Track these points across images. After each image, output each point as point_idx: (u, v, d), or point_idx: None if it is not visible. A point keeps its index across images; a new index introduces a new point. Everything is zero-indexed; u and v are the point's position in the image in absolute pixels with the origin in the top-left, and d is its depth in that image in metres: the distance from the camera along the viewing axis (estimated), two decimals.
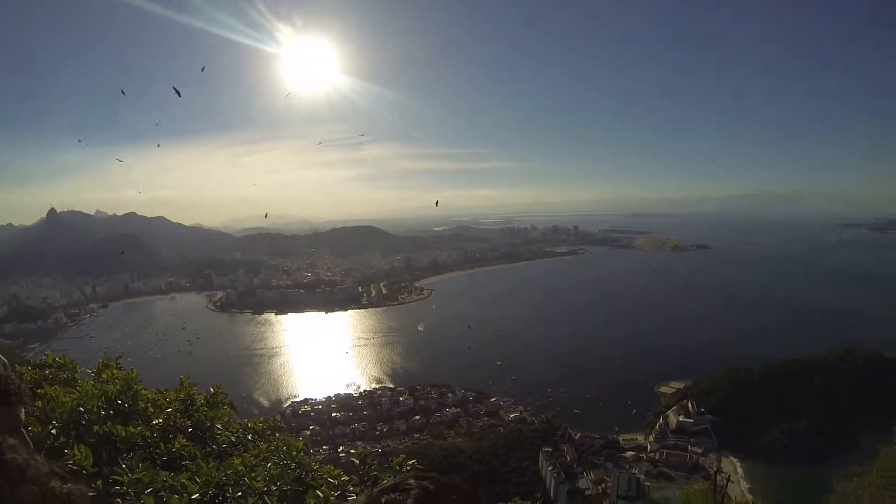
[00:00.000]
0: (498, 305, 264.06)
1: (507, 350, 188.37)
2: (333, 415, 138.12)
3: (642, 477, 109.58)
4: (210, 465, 5.17)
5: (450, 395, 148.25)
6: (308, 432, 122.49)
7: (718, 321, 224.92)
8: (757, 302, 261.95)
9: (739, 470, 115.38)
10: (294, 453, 6.24)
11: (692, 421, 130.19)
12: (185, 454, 5.96)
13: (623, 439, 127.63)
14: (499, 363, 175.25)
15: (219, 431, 7.07)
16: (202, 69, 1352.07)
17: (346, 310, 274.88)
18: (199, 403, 7.20)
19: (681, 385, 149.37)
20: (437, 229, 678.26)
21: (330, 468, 6.54)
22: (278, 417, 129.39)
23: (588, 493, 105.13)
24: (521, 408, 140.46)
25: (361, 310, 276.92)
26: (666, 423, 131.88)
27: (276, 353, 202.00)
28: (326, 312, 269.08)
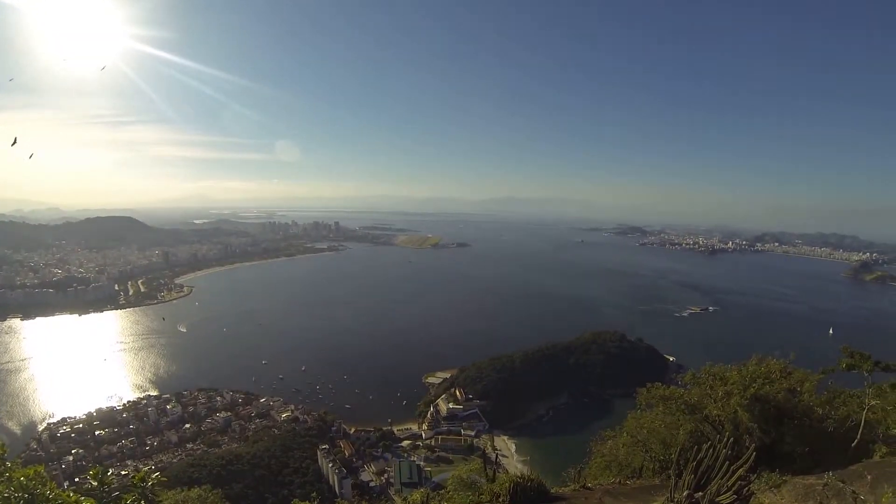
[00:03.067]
0: (261, 302, 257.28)
1: (274, 348, 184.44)
2: (97, 433, 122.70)
3: (422, 463, 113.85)
4: None
5: (218, 398, 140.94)
6: (70, 457, 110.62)
7: (478, 313, 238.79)
8: (513, 294, 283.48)
9: (512, 446, 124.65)
10: (25, 482, 5.91)
11: (461, 407, 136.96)
12: None
13: (398, 429, 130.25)
14: (264, 362, 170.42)
15: None
16: None
17: (101, 311, 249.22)
18: None
19: (447, 374, 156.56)
20: (197, 222, 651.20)
21: (67, 494, 6.19)
22: (33, 444, 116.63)
23: (372, 484, 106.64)
24: (293, 406, 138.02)
25: (119, 310, 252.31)
26: (437, 411, 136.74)
27: (22, 366, 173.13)
28: (80, 315, 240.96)
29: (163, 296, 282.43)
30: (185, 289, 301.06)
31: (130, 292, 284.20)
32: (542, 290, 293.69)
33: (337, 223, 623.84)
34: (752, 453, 9.42)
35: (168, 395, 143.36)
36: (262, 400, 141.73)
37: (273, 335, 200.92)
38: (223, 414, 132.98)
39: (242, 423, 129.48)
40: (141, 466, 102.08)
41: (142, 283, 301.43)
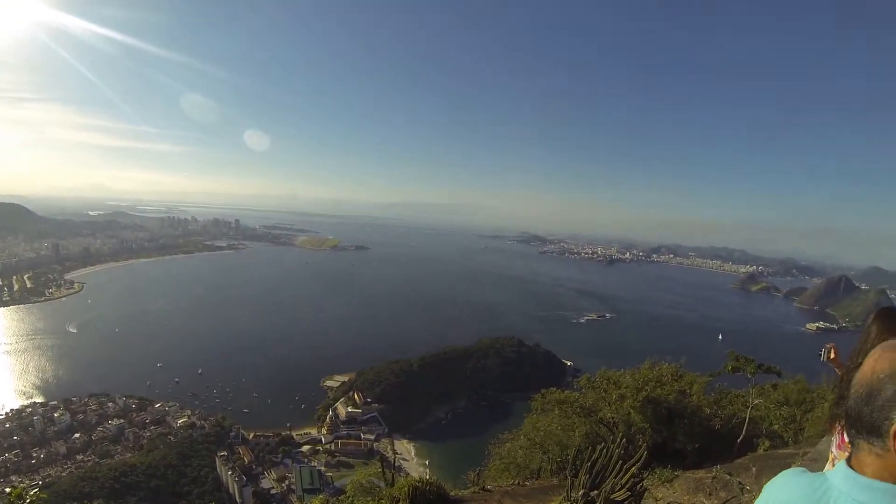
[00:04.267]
0: (157, 301, 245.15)
1: (169, 349, 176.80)
2: None
3: (323, 468, 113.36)
4: None
5: (111, 404, 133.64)
6: None
7: (377, 316, 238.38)
8: (412, 298, 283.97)
9: (412, 450, 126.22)
10: None
11: (360, 411, 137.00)
12: None
13: (297, 434, 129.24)
14: (160, 364, 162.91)
15: None
16: None
17: None
18: None
19: (345, 378, 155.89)
20: (92, 213, 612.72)
21: None
22: None
23: (273, 491, 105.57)
24: (189, 412, 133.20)
25: (2, 307, 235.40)
26: (336, 415, 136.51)
27: None
28: None
29: (51, 292, 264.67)
30: (75, 285, 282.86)
31: (15, 288, 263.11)
32: (442, 294, 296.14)
33: (237, 221, 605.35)
34: (643, 452, 10.12)
35: (55, 402, 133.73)
36: (157, 405, 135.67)
37: (169, 336, 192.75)
38: (116, 421, 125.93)
39: (137, 430, 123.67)
40: (26, 482, 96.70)
41: (28, 277, 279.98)
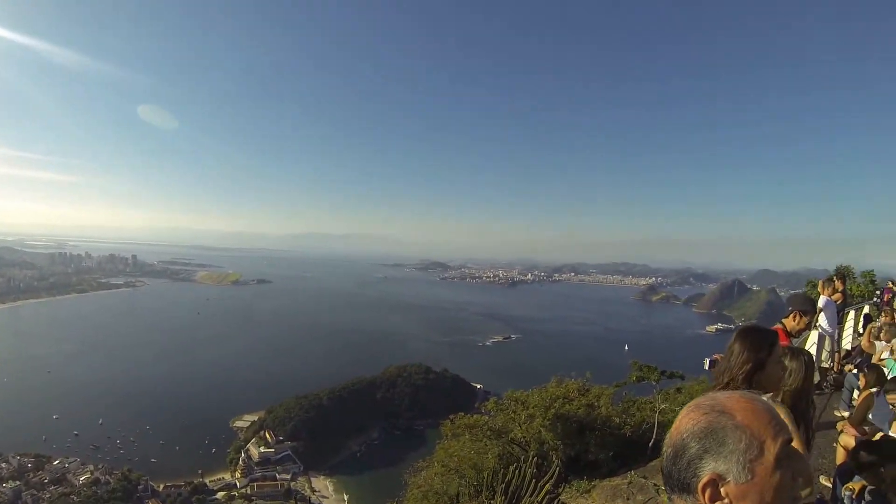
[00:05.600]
0: (49, 346, 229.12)
1: (66, 399, 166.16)
2: None
3: None
4: None
5: (2, 465, 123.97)
6: None
7: (283, 351, 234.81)
8: (317, 331, 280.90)
9: (330, 486, 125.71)
10: None
11: (273, 450, 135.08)
12: None
13: (210, 481, 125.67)
14: (56, 416, 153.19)
15: None
16: None
17: None
18: None
19: (255, 417, 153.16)
20: None
21: None
22: None
23: None
24: (92, 467, 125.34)
25: None
26: (249, 457, 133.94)
27: None
28: None
29: None
30: None
31: None
32: (347, 326, 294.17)
33: (134, 256, 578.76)
34: (556, 468, 11.17)
35: None
36: (55, 462, 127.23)
37: (64, 385, 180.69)
38: (10, 484, 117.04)
39: (35, 492, 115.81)
40: None
41: None
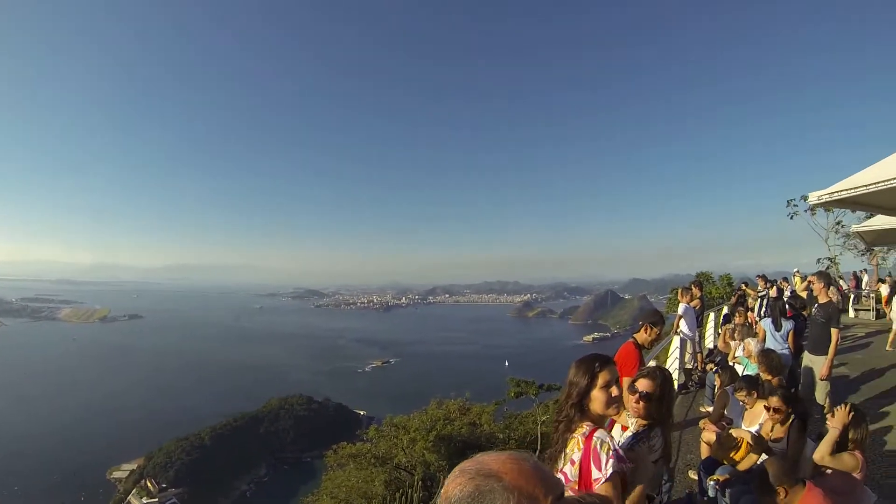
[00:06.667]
0: None
1: None
2: None
3: None
4: None
5: None
6: None
7: (159, 391, 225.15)
8: (194, 367, 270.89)
9: None
10: None
11: (157, 500, 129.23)
12: None
13: None
14: None
15: None
16: None
17: None
18: None
19: (134, 465, 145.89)
20: None
21: None
22: None
23: None
24: None
25: None
26: None
27: None
28: None
29: None
30: None
31: None
32: (226, 359, 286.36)
33: None
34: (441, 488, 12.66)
35: None
36: None
37: None
38: None
39: None
40: None
41: None
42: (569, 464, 3.24)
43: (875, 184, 6.96)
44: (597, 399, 3.54)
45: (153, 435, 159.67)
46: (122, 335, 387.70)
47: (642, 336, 6.93)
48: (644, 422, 4.53)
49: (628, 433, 4.86)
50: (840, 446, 5.70)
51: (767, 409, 6.90)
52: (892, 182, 6.74)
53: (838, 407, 6.00)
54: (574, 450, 3.26)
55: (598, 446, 3.15)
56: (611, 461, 3.06)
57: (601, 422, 3.53)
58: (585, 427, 3.38)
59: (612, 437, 3.28)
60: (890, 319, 19.93)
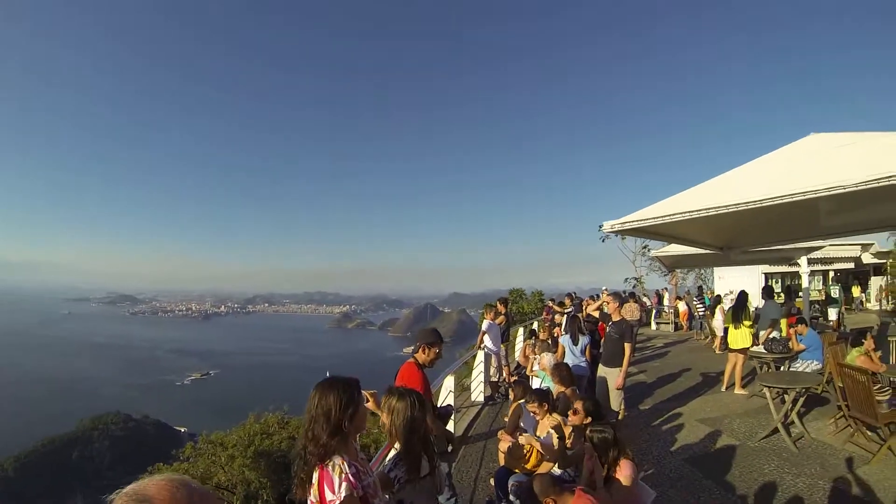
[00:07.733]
0: None
1: None
2: None
3: None
4: None
5: None
6: None
7: None
8: None
9: None
10: None
11: None
12: None
13: None
14: None
15: None
16: None
17: None
18: None
19: None
20: None
21: None
22: None
23: None
24: None
25: None
26: None
27: None
28: None
29: None
30: None
31: None
32: (29, 374, 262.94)
33: None
34: None
35: None
36: None
37: None
38: None
39: None
40: None
41: None
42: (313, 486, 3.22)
43: (655, 218, 8.02)
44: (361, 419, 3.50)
45: None
46: None
47: (421, 356, 6.87)
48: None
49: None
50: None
51: (573, 413, 7.45)
52: (669, 217, 7.89)
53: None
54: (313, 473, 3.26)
55: (331, 469, 3.14)
56: (344, 484, 3.05)
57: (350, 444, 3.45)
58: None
59: (345, 461, 3.20)
60: (713, 329, 23.22)
